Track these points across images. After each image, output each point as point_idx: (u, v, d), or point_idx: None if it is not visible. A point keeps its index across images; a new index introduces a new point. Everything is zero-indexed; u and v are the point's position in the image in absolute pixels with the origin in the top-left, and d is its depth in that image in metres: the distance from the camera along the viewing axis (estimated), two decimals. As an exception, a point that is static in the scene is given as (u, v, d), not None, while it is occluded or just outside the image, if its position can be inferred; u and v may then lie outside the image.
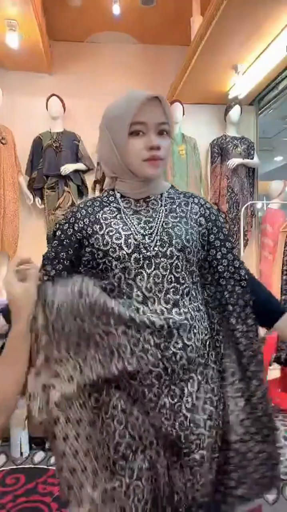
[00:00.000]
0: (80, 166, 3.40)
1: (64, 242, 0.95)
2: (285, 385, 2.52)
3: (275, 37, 2.64)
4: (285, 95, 3.49)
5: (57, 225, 0.99)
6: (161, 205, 0.96)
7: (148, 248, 0.88)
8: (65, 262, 0.94)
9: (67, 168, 3.29)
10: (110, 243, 0.88)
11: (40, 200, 3.41)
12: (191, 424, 0.86)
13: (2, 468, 2.02)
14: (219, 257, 0.97)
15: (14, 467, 2.04)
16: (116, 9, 3.16)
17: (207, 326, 0.94)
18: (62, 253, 0.94)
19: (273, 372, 2.66)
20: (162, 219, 0.93)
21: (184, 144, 3.51)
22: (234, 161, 3.51)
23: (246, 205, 3.51)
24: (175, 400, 0.85)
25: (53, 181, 3.34)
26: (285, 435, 2.15)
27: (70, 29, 3.45)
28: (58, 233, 0.97)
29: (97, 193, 3.45)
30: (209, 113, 3.74)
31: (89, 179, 3.52)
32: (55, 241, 0.97)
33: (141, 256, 0.87)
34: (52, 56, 3.47)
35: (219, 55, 2.86)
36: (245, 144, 3.62)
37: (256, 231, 3.86)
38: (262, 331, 3.25)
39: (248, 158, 3.61)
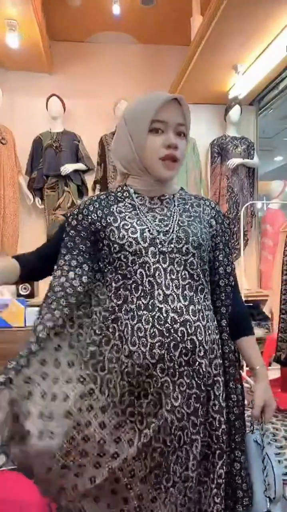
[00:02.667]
0: (80, 166, 3.40)
1: (82, 234, 0.95)
2: (285, 385, 2.52)
3: (275, 37, 2.64)
4: (285, 95, 3.49)
5: (70, 215, 0.97)
6: (175, 205, 0.97)
7: (164, 243, 0.90)
8: (85, 254, 0.94)
9: (67, 168, 3.29)
10: (126, 236, 0.89)
11: (40, 200, 3.41)
12: (223, 426, 0.89)
13: (2, 468, 2.01)
14: (221, 258, 0.99)
15: (14, 467, 2.04)
16: (116, 9, 3.16)
17: (217, 325, 0.96)
18: (81, 245, 0.94)
19: (273, 372, 2.66)
20: (178, 218, 0.94)
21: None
22: (234, 161, 3.51)
23: (246, 205, 3.51)
24: (204, 406, 0.88)
25: (53, 181, 3.34)
26: (285, 435, 2.15)
27: (70, 29, 3.45)
28: (74, 222, 0.96)
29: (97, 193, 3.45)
30: (209, 113, 3.74)
31: (89, 179, 3.52)
32: (71, 231, 0.96)
33: (157, 249, 0.89)
34: (52, 56, 3.47)
35: (219, 55, 2.86)
36: (245, 144, 3.62)
37: (256, 231, 3.86)
38: (261, 331, 3.24)
39: (248, 158, 3.61)
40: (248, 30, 2.56)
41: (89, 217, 0.95)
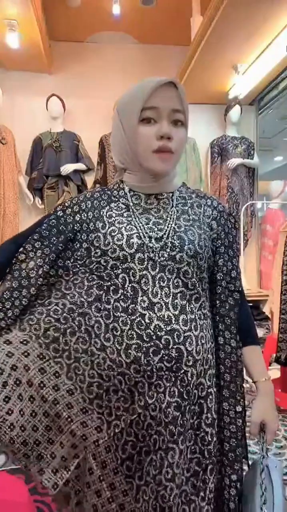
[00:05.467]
0: (80, 166, 3.40)
1: (61, 228, 0.89)
2: (285, 385, 2.51)
3: (275, 37, 2.64)
4: (285, 95, 3.49)
5: (60, 206, 0.93)
6: (173, 206, 0.89)
7: (155, 250, 0.83)
8: (53, 247, 0.88)
9: (67, 168, 3.29)
10: (111, 244, 0.83)
11: (40, 200, 3.42)
12: (215, 439, 0.84)
13: (2, 468, 2.01)
14: (220, 264, 0.91)
15: (14, 467, 2.04)
16: (116, 9, 3.16)
17: (212, 333, 0.90)
18: (53, 238, 0.88)
19: (273, 372, 2.66)
20: (174, 222, 0.87)
21: (186, 141, 3.52)
22: (234, 161, 3.51)
23: (246, 205, 3.51)
24: (195, 419, 0.83)
25: (53, 181, 3.34)
26: (285, 435, 2.15)
27: (70, 29, 3.45)
28: (60, 213, 0.91)
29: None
30: (209, 113, 3.74)
31: (89, 179, 3.52)
32: (53, 220, 0.90)
33: (145, 256, 0.83)
34: (52, 56, 3.47)
35: (219, 55, 2.86)
36: (245, 144, 3.62)
37: (256, 231, 3.86)
38: (261, 331, 3.22)
39: (248, 158, 3.61)
40: (248, 30, 2.56)
41: (77, 215, 0.90)
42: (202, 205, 0.93)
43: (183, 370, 0.81)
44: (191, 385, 0.83)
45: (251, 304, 3.53)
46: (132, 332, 0.81)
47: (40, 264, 0.88)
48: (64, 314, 0.87)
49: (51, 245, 0.88)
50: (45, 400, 0.85)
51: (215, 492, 0.88)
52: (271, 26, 2.52)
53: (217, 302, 0.91)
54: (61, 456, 0.86)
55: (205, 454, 0.84)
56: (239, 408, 0.88)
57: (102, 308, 0.85)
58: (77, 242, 0.89)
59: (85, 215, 0.90)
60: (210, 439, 0.84)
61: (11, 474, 1.92)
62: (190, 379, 0.82)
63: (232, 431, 0.88)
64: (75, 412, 0.85)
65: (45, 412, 0.85)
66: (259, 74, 3.13)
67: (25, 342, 0.87)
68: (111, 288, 0.84)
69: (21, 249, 0.88)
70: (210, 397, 0.85)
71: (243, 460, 0.89)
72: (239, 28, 2.53)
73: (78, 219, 0.89)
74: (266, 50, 2.80)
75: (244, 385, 0.93)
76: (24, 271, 0.87)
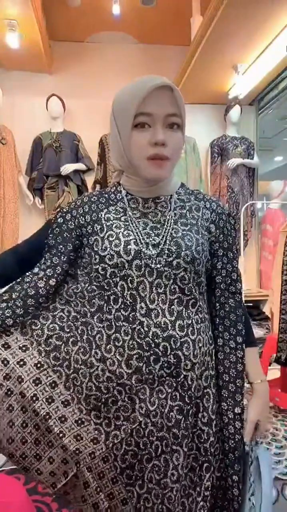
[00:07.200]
0: (80, 166, 3.40)
1: (65, 235, 0.88)
2: (285, 385, 2.51)
3: (275, 37, 2.64)
4: (285, 95, 3.49)
5: (59, 213, 0.92)
6: (170, 209, 0.88)
7: (152, 257, 0.82)
8: (62, 256, 0.87)
9: (67, 168, 3.29)
10: (108, 249, 0.82)
11: (40, 200, 3.42)
12: (211, 438, 0.85)
13: (2, 468, 2.01)
14: (219, 267, 0.91)
15: (14, 467, 2.04)
16: (116, 9, 3.16)
17: (211, 334, 0.90)
18: (60, 246, 0.88)
19: (273, 372, 2.66)
20: (171, 226, 0.86)
21: (183, 143, 3.52)
22: (234, 161, 3.51)
23: (246, 205, 3.51)
24: (188, 419, 0.83)
25: (53, 181, 3.34)
26: (285, 435, 2.15)
27: (70, 29, 3.45)
28: (60, 220, 0.90)
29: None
30: (209, 113, 3.74)
31: (89, 179, 3.52)
32: (56, 229, 0.89)
33: (143, 262, 0.82)
34: (52, 56, 3.47)
35: (219, 55, 2.86)
36: (245, 144, 3.62)
37: (256, 231, 3.86)
38: (261, 331, 3.21)
39: (248, 158, 3.61)
40: (248, 30, 2.56)
41: (77, 220, 0.89)
42: (201, 208, 0.91)
43: (182, 375, 0.81)
44: (193, 390, 0.83)
45: (251, 304, 3.54)
46: (133, 342, 0.80)
47: (50, 274, 0.86)
48: (69, 322, 0.87)
49: (59, 254, 0.87)
50: (36, 414, 0.83)
51: (220, 491, 0.89)
52: (271, 26, 2.52)
53: (217, 304, 0.92)
54: (50, 471, 0.84)
55: (201, 451, 0.84)
56: (238, 410, 0.88)
57: (104, 319, 0.85)
58: (82, 249, 0.89)
59: (83, 219, 0.89)
60: (206, 438, 0.84)
61: (11, 474, 1.92)
62: (190, 383, 0.82)
63: (231, 431, 0.88)
64: (69, 425, 0.83)
65: (36, 424, 0.83)
66: (259, 74, 3.13)
67: (24, 348, 0.86)
68: (112, 297, 0.83)
69: (37, 264, 0.88)
70: (207, 397, 0.86)
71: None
72: (239, 28, 2.53)
73: (77, 223, 0.89)
74: (266, 50, 2.80)
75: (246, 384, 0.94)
76: (33, 281, 0.86)
